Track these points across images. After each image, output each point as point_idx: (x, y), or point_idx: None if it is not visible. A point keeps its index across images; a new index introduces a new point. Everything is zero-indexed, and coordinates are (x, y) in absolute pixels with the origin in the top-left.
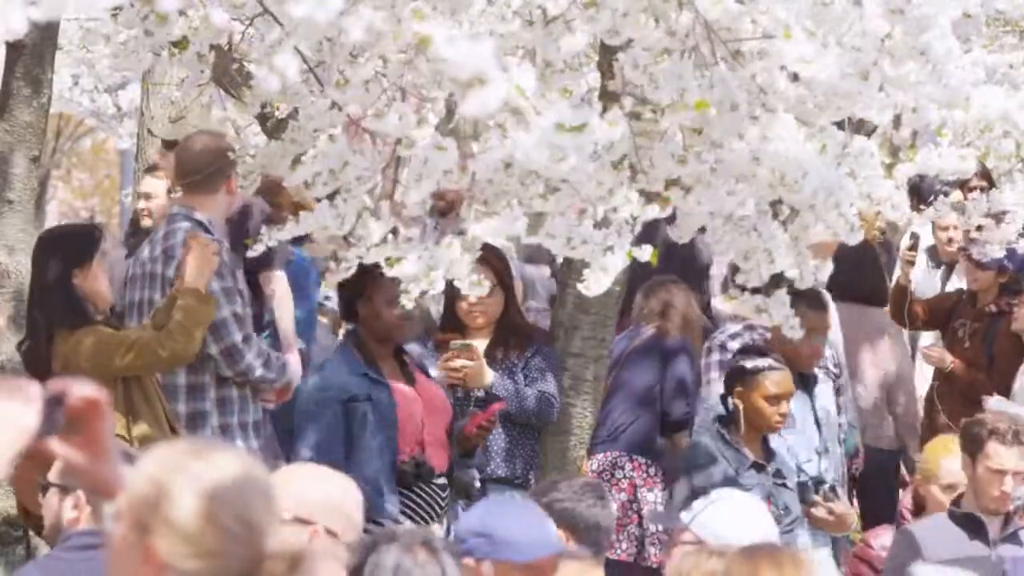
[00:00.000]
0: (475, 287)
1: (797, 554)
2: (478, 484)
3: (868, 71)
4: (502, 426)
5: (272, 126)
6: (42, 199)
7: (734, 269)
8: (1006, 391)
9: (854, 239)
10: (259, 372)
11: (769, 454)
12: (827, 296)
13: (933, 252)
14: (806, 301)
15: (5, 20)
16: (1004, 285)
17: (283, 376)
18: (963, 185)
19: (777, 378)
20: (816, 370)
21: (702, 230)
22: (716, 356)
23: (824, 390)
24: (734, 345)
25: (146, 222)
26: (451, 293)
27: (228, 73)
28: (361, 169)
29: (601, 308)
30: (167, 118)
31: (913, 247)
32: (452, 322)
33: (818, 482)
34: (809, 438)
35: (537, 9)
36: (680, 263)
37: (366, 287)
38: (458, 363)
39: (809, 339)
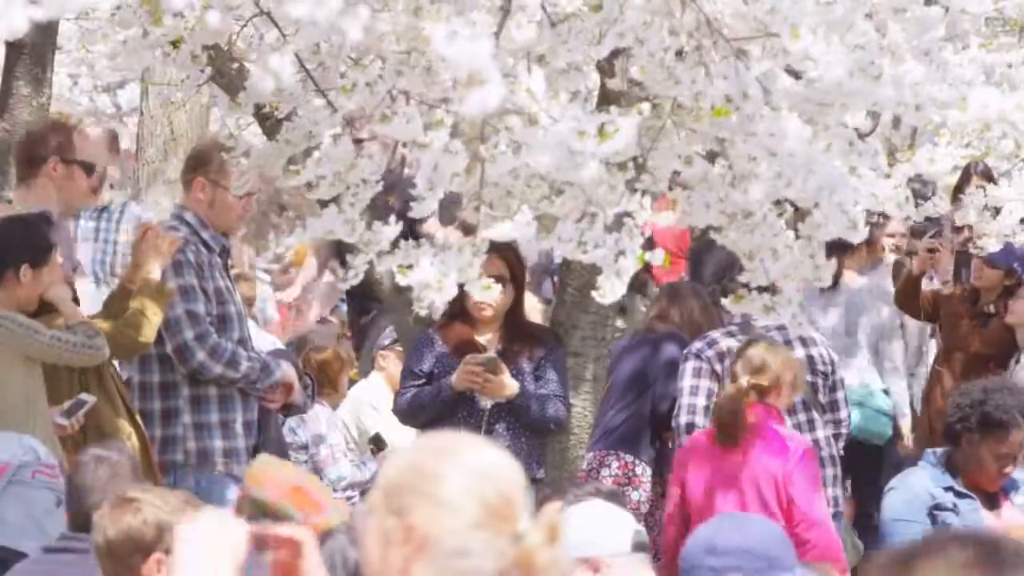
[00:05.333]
0: (486, 292)
1: None
2: None
3: (879, 70)
4: (508, 426)
5: (271, 127)
6: None
7: (726, 268)
8: None
9: (857, 237)
10: (217, 371)
11: None
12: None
13: None
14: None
15: (6, 19)
16: (1008, 288)
17: (268, 377)
18: (963, 183)
19: None
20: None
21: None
22: (691, 363)
23: None
24: (710, 353)
25: None
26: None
27: (226, 73)
28: (368, 172)
29: (601, 308)
30: (166, 118)
31: (936, 235)
32: (460, 313)
33: None
34: None
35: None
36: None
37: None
38: (482, 378)
39: None
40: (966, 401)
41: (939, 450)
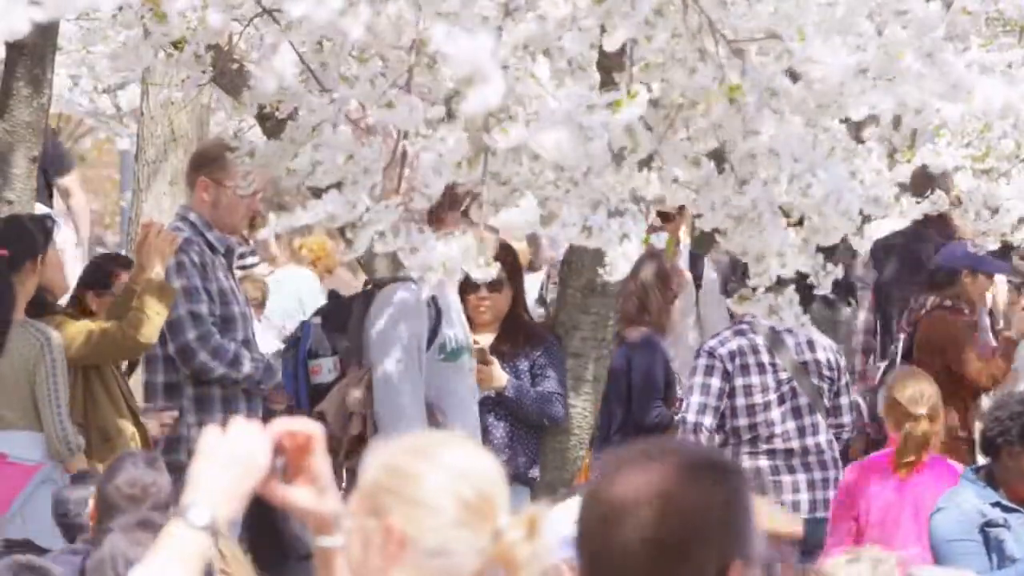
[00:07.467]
0: (484, 270)
1: None
2: None
3: (892, 74)
4: (504, 422)
5: (272, 127)
6: None
7: (732, 270)
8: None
9: (862, 245)
10: (220, 371)
11: None
12: None
13: None
14: None
15: (7, 20)
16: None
17: (272, 378)
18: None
19: None
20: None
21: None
22: (703, 361)
23: None
24: (723, 351)
25: None
26: (460, 288)
27: (227, 74)
28: (369, 162)
29: (601, 308)
30: (167, 118)
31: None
32: None
33: None
34: None
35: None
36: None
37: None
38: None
39: None
40: (1004, 414)
41: (976, 466)
